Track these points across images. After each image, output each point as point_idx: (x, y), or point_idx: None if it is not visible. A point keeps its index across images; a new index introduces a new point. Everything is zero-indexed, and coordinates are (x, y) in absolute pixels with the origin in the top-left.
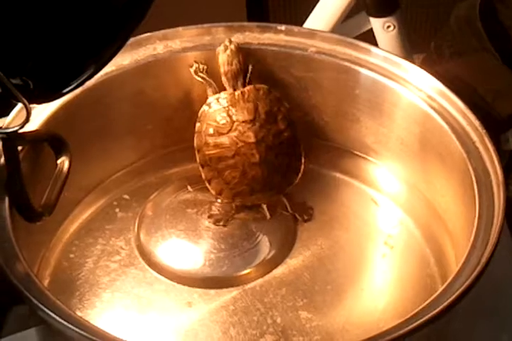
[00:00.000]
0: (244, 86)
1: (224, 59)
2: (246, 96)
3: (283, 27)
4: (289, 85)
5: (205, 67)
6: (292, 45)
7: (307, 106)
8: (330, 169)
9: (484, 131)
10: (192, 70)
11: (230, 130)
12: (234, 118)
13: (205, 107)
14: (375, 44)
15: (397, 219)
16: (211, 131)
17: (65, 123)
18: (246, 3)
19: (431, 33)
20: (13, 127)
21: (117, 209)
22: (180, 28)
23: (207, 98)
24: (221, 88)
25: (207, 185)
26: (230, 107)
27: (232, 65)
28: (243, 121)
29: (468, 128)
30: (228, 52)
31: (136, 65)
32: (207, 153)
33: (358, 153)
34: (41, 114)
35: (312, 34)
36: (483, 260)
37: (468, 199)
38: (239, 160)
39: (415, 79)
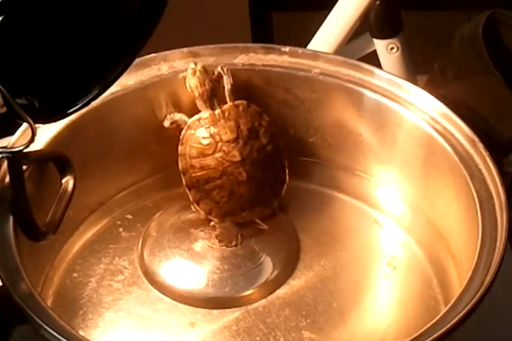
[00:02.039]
0: (220, 104)
1: (195, 82)
2: (226, 114)
3: (287, 48)
4: (293, 106)
5: (174, 113)
6: (296, 66)
7: (311, 127)
8: (333, 190)
9: (487, 153)
10: (167, 124)
11: (214, 151)
12: (217, 138)
13: (187, 130)
14: (379, 66)
15: (400, 240)
16: (195, 153)
17: (69, 142)
18: (251, 25)
19: (434, 54)
20: (19, 146)
21: (121, 229)
22: (185, 49)
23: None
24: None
25: (195, 206)
26: (212, 127)
27: (205, 85)
28: (227, 141)
29: (472, 151)
30: (198, 74)
31: (141, 86)
32: (193, 175)
33: (361, 174)
34: (46, 133)
35: (316, 55)
36: (487, 281)
37: (471, 221)
38: (226, 180)
39: (419, 101)
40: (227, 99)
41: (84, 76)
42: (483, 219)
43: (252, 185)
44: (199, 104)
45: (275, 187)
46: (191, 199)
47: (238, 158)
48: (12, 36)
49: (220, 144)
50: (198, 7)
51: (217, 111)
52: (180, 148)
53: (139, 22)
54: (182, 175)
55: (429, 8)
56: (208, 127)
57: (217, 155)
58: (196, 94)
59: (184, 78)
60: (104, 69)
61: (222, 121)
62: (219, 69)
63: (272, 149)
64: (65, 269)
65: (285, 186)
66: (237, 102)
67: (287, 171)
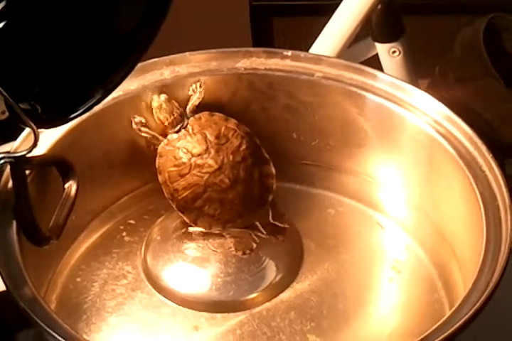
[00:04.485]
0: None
1: (165, 114)
2: (191, 130)
3: (289, 52)
4: (296, 110)
5: (143, 119)
6: (298, 70)
7: (313, 131)
8: (336, 193)
9: (491, 155)
10: (135, 127)
11: (190, 168)
12: (189, 155)
13: (159, 158)
14: (381, 69)
15: (403, 243)
16: (174, 176)
17: (72, 147)
18: (251, 29)
19: (435, 58)
20: (21, 151)
21: (124, 234)
22: (187, 54)
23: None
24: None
25: (194, 227)
26: (181, 147)
27: (173, 114)
28: (198, 154)
29: (475, 153)
30: (164, 106)
31: (144, 90)
32: (180, 198)
33: (364, 177)
34: (48, 138)
35: (318, 59)
36: (491, 284)
37: (475, 224)
38: (212, 191)
39: (421, 104)
40: (187, 114)
41: (87, 81)
42: (487, 221)
43: (239, 188)
44: (169, 130)
45: (265, 183)
46: (188, 221)
47: (215, 167)
48: (14, 41)
49: (193, 160)
50: (199, 12)
51: (182, 132)
52: (159, 177)
53: (141, 28)
54: (170, 202)
55: (431, 13)
56: (178, 148)
57: (194, 171)
58: (166, 123)
59: (147, 104)
60: (106, 74)
61: (188, 137)
62: (193, 86)
63: (247, 148)
64: (69, 274)
65: (274, 179)
66: (197, 115)
67: (272, 164)
